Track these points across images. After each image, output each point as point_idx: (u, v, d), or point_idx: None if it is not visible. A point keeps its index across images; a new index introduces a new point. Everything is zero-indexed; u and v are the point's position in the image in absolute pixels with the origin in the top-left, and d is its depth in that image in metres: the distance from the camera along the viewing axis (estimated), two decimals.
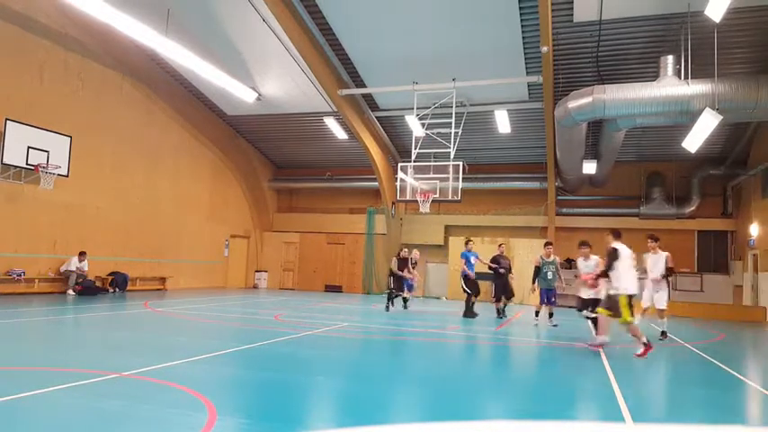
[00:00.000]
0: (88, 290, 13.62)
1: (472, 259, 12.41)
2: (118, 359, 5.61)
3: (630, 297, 7.20)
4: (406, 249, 14.20)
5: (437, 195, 14.14)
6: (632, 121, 13.13)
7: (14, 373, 4.85)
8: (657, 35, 12.52)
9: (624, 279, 7.19)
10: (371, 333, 9.08)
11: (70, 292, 13.47)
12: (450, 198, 13.98)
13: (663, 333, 9.49)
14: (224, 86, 15.56)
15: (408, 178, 14.47)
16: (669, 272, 9.48)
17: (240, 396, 4.63)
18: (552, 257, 11.13)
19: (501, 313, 12.61)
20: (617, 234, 7.69)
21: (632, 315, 7.21)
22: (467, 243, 12.90)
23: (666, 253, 9.52)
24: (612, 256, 7.32)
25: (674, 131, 15.59)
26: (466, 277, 12.34)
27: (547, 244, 11.51)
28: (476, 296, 12.42)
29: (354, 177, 21.61)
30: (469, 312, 12.23)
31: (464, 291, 12.41)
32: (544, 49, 12.16)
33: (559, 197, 19.31)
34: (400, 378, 5.69)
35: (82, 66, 14.33)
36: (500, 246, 13.16)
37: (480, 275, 14.39)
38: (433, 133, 15.20)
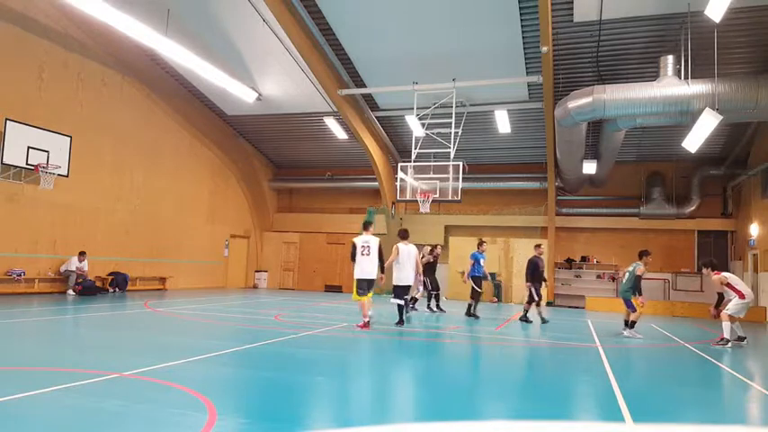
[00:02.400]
0: (88, 290, 13.61)
1: (481, 261, 12.15)
2: (118, 359, 5.61)
3: (359, 281, 9.19)
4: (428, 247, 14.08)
5: (437, 195, 14.12)
6: (632, 121, 13.13)
7: (14, 373, 4.85)
8: (657, 35, 12.53)
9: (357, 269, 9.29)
10: (371, 333, 9.07)
11: (70, 292, 13.46)
12: (450, 198, 13.98)
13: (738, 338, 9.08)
14: (224, 86, 15.57)
15: (408, 178, 14.46)
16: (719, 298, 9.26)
17: (240, 396, 4.63)
18: None
19: (542, 319, 11.67)
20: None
21: (360, 295, 9.21)
22: (480, 244, 12.53)
23: (716, 276, 9.20)
24: (352, 251, 9.37)
25: (674, 131, 15.59)
26: (475, 278, 12.14)
27: (648, 253, 10.22)
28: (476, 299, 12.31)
29: (354, 177, 21.61)
30: (474, 313, 12.16)
31: (475, 290, 12.20)
32: (544, 49, 12.16)
33: (559, 197, 19.32)
34: (400, 378, 5.69)
35: (82, 66, 14.33)
36: (538, 246, 12.13)
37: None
38: (433, 133, 15.20)
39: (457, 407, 4.49)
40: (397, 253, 10.01)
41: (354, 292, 9.27)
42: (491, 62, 14.18)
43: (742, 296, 8.87)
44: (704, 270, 9.57)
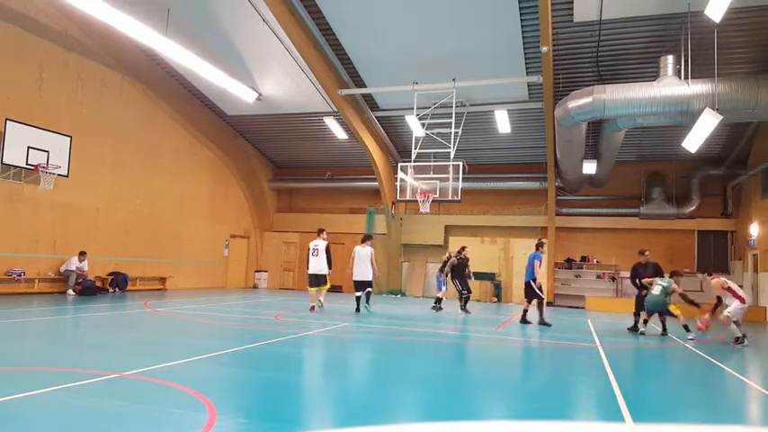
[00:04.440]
0: (88, 290, 13.61)
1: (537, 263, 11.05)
2: (118, 359, 5.61)
3: (309, 275, 11.66)
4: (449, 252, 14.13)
5: (437, 195, 14.12)
6: (632, 121, 13.13)
7: (14, 373, 4.85)
8: (657, 35, 12.53)
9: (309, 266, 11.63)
10: (371, 333, 9.07)
11: (70, 292, 13.46)
12: (450, 198, 13.97)
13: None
14: (224, 86, 15.56)
15: (408, 178, 14.46)
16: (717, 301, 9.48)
17: (240, 396, 4.63)
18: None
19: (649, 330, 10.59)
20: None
21: (310, 287, 11.70)
22: (540, 245, 11.24)
23: (715, 281, 9.28)
24: (307, 252, 11.74)
25: (674, 131, 15.59)
26: (534, 281, 10.95)
27: (680, 275, 10.28)
28: (529, 302, 11.21)
29: (354, 177, 21.61)
30: (544, 321, 10.92)
31: (537, 296, 11.04)
32: (544, 49, 12.16)
33: (559, 197, 19.32)
34: (400, 378, 5.69)
35: (82, 66, 14.33)
36: (643, 253, 11.04)
37: (477, 274, 14.43)
38: (433, 133, 15.20)
39: (457, 407, 4.50)
40: (353, 254, 12.26)
41: (307, 284, 11.76)
42: (491, 62, 14.18)
43: (743, 301, 9.02)
44: (701, 275, 9.68)
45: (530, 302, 11.25)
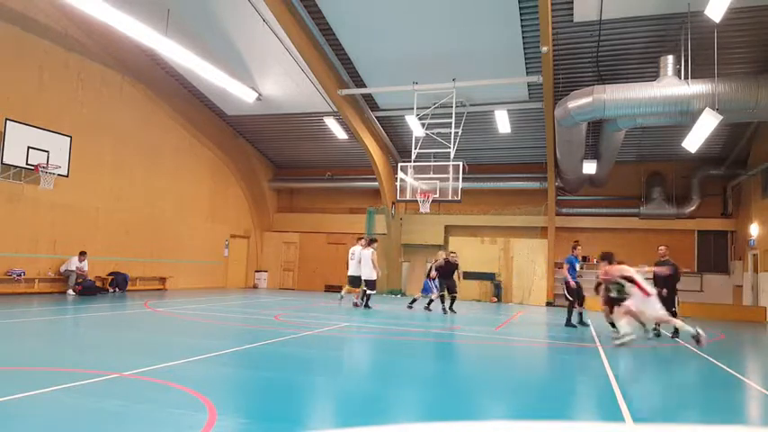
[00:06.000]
0: (88, 290, 13.61)
1: (577, 266, 11.14)
2: (118, 359, 5.61)
3: (348, 277, 13.68)
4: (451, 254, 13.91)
5: (437, 195, 14.12)
6: (632, 121, 13.13)
7: (14, 373, 4.85)
8: (657, 35, 12.53)
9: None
10: (371, 333, 9.08)
11: (70, 292, 13.46)
12: (450, 198, 13.98)
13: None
14: (224, 86, 15.56)
15: (408, 178, 14.46)
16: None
17: (240, 396, 4.63)
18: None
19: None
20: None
21: (350, 286, 13.70)
22: (575, 247, 11.39)
23: (615, 267, 8.73)
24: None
25: (674, 131, 15.58)
26: (568, 284, 11.05)
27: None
28: (580, 304, 11.17)
29: (354, 177, 21.61)
30: (570, 323, 11.00)
31: (567, 299, 11.18)
32: (544, 49, 12.16)
33: (559, 197, 19.31)
34: (400, 378, 5.69)
35: (82, 66, 14.33)
36: (661, 248, 10.68)
37: (477, 275, 14.41)
38: (432, 133, 15.20)
39: (457, 407, 4.49)
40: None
41: (347, 284, 13.78)
42: (491, 62, 14.18)
43: (647, 294, 8.27)
44: (602, 264, 9.06)
45: (580, 304, 11.17)
